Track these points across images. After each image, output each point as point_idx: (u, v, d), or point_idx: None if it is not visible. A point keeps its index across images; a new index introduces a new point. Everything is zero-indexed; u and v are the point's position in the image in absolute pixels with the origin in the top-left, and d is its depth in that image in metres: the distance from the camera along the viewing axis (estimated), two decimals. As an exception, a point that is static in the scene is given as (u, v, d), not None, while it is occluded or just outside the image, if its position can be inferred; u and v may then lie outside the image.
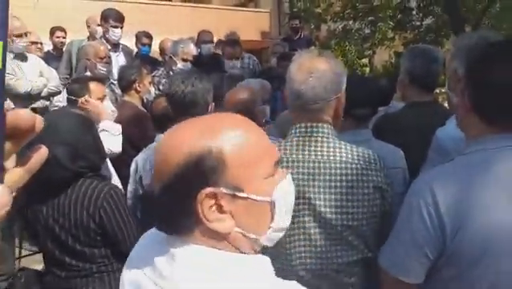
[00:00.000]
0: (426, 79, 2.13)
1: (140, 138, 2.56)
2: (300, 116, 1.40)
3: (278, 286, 0.79)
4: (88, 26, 4.56)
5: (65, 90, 3.08)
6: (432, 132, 1.78)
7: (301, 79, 1.36)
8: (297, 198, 1.31)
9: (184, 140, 0.75)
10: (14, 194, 0.46)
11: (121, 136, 2.48)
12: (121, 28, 4.20)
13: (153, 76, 3.80)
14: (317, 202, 1.33)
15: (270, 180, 0.78)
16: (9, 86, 3.77)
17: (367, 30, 7.65)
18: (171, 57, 4.02)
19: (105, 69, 3.56)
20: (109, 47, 4.12)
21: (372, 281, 1.32)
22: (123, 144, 2.48)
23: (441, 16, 7.29)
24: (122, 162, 2.40)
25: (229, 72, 3.91)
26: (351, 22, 7.79)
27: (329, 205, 1.33)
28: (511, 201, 1.07)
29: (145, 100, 3.16)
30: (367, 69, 7.91)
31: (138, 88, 3.05)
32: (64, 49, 5.00)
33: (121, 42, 4.37)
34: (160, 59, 5.29)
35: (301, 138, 1.39)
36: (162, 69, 4.11)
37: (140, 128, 2.68)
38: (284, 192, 0.81)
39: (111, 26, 4.14)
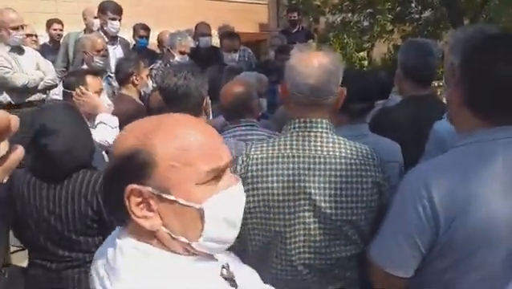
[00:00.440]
0: (421, 73, 2.13)
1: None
2: (299, 111, 1.39)
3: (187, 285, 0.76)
4: (85, 19, 4.53)
5: (61, 83, 3.05)
6: (428, 126, 1.78)
7: (308, 73, 1.34)
8: (297, 194, 1.34)
9: (128, 135, 0.78)
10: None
11: (118, 128, 2.48)
12: (119, 20, 4.17)
13: (151, 69, 3.78)
14: (317, 198, 1.34)
15: (203, 187, 0.76)
16: (5, 79, 3.75)
17: (365, 23, 7.62)
18: (168, 50, 4.00)
19: (102, 62, 3.54)
20: (107, 40, 4.10)
21: (366, 274, 1.33)
22: None
23: (440, 9, 7.25)
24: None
25: (228, 65, 3.89)
26: (349, 15, 7.75)
27: (328, 200, 1.34)
28: (506, 192, 1.08)
29: (142, 93, 3.15)
30: (366, 62, 7.89)
31: (135, 81, 3.04)
32: (61, 41, 4.97)
33: (118, 34, 4.35)
34: (158, 51, 5.26)
35: (300, 133, 1.38)
36: (160, 62, 4.09)
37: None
38: (220, 202, 0.77)
39: (110, 19, 4.10)
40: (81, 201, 1.68)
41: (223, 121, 2.12)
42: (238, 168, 1.39)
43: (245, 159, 1.40)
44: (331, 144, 1.38)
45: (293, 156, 1.36)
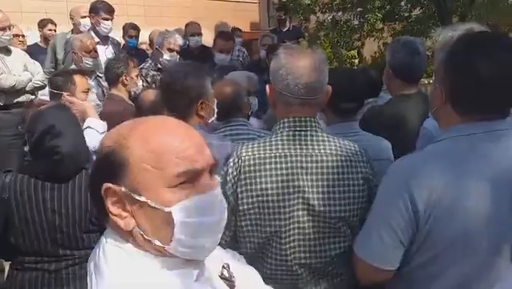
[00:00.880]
0: (408, 72, 2.15)
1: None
2: (288, 111, 1.39)
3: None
4: (71, 19, 4.47)
5: (49, 84, 3.02)
6: (417, 123, 1.80)
7: (299, 73, 1.35)
8: (291, 193, 1.34)
9: (108, 137, 0.81)
10: None
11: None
12: (111, 20, 4.14)
13: (141, 68, 3.76)
14: (310, 196, 1.35)
15: (175, 190, 0.75)
16: (-7, 80, 3.70)
17: (355, 22, 7.65)
18: (157, 49, 3.97)
19: (91, 63, 3.50)
20: (98, 40, 4.07)
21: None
22: None
23: (429, 7, 7.31)
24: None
25: (219, 64, 3.88)
26: (339, 14, 7.78)
27: (322, 197, 1.35)
28: (480, 186, 1.10)
29: (133, 93, 3.12)
30: (356, 61, 7.92)
31: (125, 81, 3.02)
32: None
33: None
34: (149, 50, 5.22)
35: (291, 132, 1.38)
36: (150, 61, 4.06)
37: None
38: (192, 208, 0.76)
39: (102, 19, 4.07)
40: (87, 196, 1.70)
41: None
42: (230, 170, 1.38)
43: (236, 160, 1.39)
44: (321, 143, 1.39)
45: (285, 156, 1.36)
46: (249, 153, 1.38)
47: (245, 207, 1.36)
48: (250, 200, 1.36)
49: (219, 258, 0.92)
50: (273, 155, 1.37)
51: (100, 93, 3.54)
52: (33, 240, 1.72)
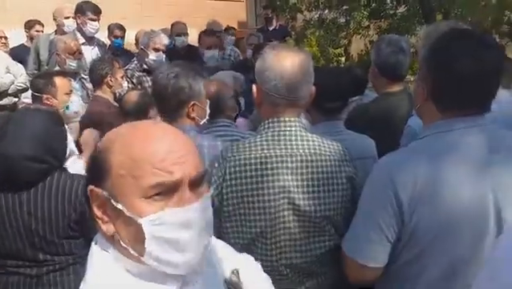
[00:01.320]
0: (393, 70, 2.17)
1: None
2: (274, 111, 1.39)
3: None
4: (55, 19, 4.40)
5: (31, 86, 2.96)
6: (402, 121, 1.81)
7: (287, 75, 1.35)
8: (277, 194, 1.34)
9: (105, 136, 0.80)
10: None
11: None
12: (98, 21, 4.09)
13: (126, 69, 3.72)
14: (296, 196, 1.35)
15: (150, 201, 0.73)
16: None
17: (341, 20, 7.68)
18: (142, 49, 3.93)
19: (75, 65, 3.45)
20: (84, 41, 4.02)
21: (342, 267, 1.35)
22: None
23: (414, 4, 7.37)
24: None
25: (203, 66, 3.86)
26: (326, 12, 7.80)
27: (307, 197, 1.36)
28: (460, 182, 1.13)
29: (118, 95, 3.09)
30: (343, 59, 7.95)
31: (110, 83, 2.99)
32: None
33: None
34: (136, 50, 5.16)
35: (276, 133, 1.38)
36: (135, 62, 4.01)
37: (111, 126, 2.62)
38: (165, 222, 0.73)
39: (89, 19, 4.02)
40: (64, 203, 1.66)
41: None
42: (215, 171, 1.38)
43: (221, 162, 1.38)
44: (305, 142, 1.40)
45: (270, 157, 1.36)
46: (235, 154, 1.38)
47: (231, 208, 1.36)
48: (236, 201, 1.35)
49: (230, 263, 0.90)
50: (258, 156, 1.36)
51: (85, 95, 3.50)
52: (11, 243, 1.69)
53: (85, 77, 3.55)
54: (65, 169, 1.76)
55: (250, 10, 9.96)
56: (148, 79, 3.60)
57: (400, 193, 1.14)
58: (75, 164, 2.09)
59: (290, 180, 1.35)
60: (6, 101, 3.90)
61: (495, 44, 1.27)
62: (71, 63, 3.42)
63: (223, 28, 5.70)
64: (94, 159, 0.79)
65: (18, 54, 4.33)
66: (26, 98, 3.85)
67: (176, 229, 0.74)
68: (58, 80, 2.38)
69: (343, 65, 7.62)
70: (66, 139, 1.80)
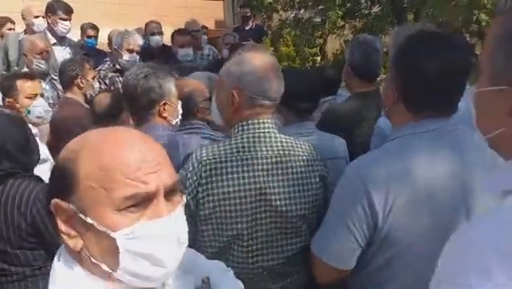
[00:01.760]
0: (366, 70, 2.20)
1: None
2: (248, 113, 1.39)
3: None
4: (24, 19, 4.26)
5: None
6: (373, 122, 1.83)
7: (267, 77, 1.37)
8: (253, 196, 1.34)
9: (66, 149, 0.75)
10: None
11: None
12: (70, 21, 3.98)
13: (99, 70, 3.64)
14: (272, 197, 1.35)
15: (124, 214, 0.69)
16: None
17: (317, 19, 7.74)
18: (116, 49, 3.86)
19: (43, 66, 3.35)
20: (55, 41, 3.91)
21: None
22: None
23: (387, 4, 7.50)
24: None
25: (178, 65, 3.81)
26: (301, 12, 7.85)
27: (283, 197, 1.37)
28: (434, 180, 1.14)
29: (89, 96, 3.02)
30: (318, 58, 8.03)
31: (80, 84, 2.92)
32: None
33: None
34: (109, 50, 5.06)
35: (250, 134, 1.38)
36: (108, 62, 3.94)
37: (83, 129, 2.55)
38: (140, 235, 0.69)
39: (60, 19, 3.91)
40: (14, 212, 1.59)
41: None
42: (189, 174, 1.36)
43: (196, 165, 1.36)
44: (279, 144, 1.40)
45: (246, 159, 1.36)
46: (210, 157, 1.36)
47: (207, 212, 1.34)
48: (212, 204, 1.34)
49: (201, 270, 0.87)
50: (234, 158, 1.36)
51: (55, 96, 3.41)
52: None
53: (56, 78, 3.45)
54: (27, 176, 1.67)
55: (228, 9, 9.90)
56: (121, 79, 3.53)
57: (373, 195, 1.14)
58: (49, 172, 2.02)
59: (266, 181, 1.35)
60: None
61: (463, 44, 1.30)
62: (39, 64, 3.32)
63: (200, 27, 5.65)
64: (58, 169, 0.73)
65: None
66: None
67: (152, 242, 0.70)
68: (20, 83, 2.29)
69: (318, 64, 7.68)
70: (28, 144, 1.72)
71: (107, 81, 3.72)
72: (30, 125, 2.46)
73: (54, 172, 0.74)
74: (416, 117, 1.20)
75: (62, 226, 0.72)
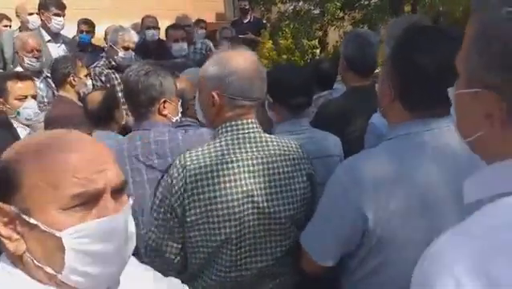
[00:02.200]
0: (361, 64, 2.16)
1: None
2: (233, 115, 1.36)
3: None
4: (18, 16, 4.23)
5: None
6: (369, 117, 1.79)
7: (251, 78, 1.34)
8: (240, 199, 1.31)
9: (11, 150, 0.74)
10: None
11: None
12: (63, 16, 3.94)
13: (95, 67, 3.60)
14: (259, 198, 1.33)
15: (69, 213, 0.69)
16: None
17: (316, 11, 7.68)
18: (111, 46, 3.81)
19: (35, 64, 3.31)
20: (49, 38, 3.87)
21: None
22: None
23: (386, -5, 7.43)
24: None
25: (171, 61, 3.77)
26: (300, 4, 7.79)
27: (271, 198, 1.34)
28: (431, 182, 1.10)
29: (82, 94, 2.98)
30: (318, 50, 7.96)
31: (73, 82, 2.87)
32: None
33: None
34: (106, 45, 5.01)
35: (235, 136, 1.35)
36: (104, 59, 3.89)
37: (76, 128, 2.53)
38: (87, 234, 0.70)
39: (54, 15, 3.87)
40: None
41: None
42: (175, 181, 1.32)
43: (181, 171, 1.32)
44: (264, 144, 1.38)
45: (231, 162, 1.33)
46: (195, 162, 1.32)
47: (194, 218, 1.31)
48: (199, 210, 1.31)
49: (156, 287, 0.88)
50: (219, 162, 1.32)
51: (50, 95, 3.38)
52: None
53: (50, 76, 3.42)
54: None
55: (229, 1, 9.84)
56: (117, 76, 3.50)
57: (364, 198, 1.10)
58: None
59: (252, 183, 1.32)
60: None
61: (461, 37, 1.24)
62: (31, 62, 3.28)
63: (192, 22, 5.59)
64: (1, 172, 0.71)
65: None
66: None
67: (98, 241, 0.71)
68: (10, 84, 2.26)
69: (318, 57, 7.63)
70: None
71: (103, 78, 3.68)
72: (22, 126, 2.46)
73: None
74: (414, 116, 1.15)
75: (2, 230, 0.71)
